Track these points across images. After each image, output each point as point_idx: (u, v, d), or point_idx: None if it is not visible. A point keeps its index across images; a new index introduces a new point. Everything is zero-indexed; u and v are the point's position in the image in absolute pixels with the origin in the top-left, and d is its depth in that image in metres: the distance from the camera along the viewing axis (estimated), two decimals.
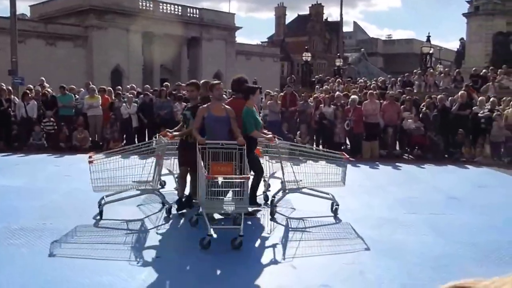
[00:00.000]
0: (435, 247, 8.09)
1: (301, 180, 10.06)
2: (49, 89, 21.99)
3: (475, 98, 21.49)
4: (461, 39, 54.92)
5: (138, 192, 10.04)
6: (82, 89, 22.86)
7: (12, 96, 21.46)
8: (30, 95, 20.67)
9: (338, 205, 10.04)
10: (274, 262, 7.43)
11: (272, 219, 9.73)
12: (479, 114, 19.05)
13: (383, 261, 7.38)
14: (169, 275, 6.80)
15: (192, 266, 7.16)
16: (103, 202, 9.77)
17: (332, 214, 9.97)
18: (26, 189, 12.18)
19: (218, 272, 7.00)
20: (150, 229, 8.88)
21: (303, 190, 10.20)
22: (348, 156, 10.23)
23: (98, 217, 9.49)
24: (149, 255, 7.47)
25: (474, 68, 31.71)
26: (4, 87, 21.13)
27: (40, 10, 62.48)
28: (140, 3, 61.17)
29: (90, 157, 9.14)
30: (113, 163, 9.67)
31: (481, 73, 29.36)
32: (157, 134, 10.20)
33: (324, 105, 20.43)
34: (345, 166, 10.03)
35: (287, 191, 10.25)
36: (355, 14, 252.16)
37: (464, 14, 49.85)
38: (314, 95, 22.83)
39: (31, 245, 7.81)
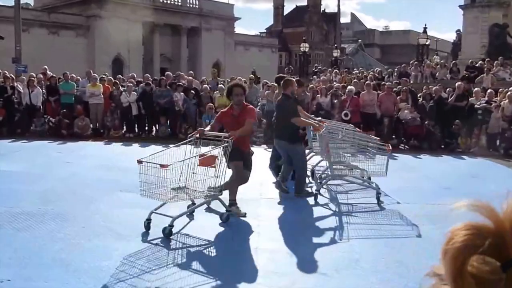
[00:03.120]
0: (430, 236, 8.11)
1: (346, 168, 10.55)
2: (54, 75, 22.02)
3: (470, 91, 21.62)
4: (458, 30, 54.64)
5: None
6: (79, 78, 22.91)
7: (16, 84, 21.58)
8: (35, 83, 20.77)
9: (380, 193, 10.32)
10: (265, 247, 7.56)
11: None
12: (475, 106, 19.16)
13: (378, 250, 7.46)
14: (168, 263, 6.80)
15: (194, 254, 7.20)
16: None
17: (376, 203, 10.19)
18: (28, 175, 12.28)
19: (219, 260, 7.07)
20: (152, 215, 8.89)
21: (347, 178, 10.81)
22: (391, 148, 10.66)
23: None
24: (149, 241, 7.54)
25: (470, 60, 31.77)
26: (8, 75, 21.26)
27: (43, 0, 62.51)
28: None
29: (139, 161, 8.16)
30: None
31: (477, 65, 29.47)
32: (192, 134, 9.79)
33: (321, 95, 20.54)
34: (388, 156, 10.37)
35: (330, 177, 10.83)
36: (352, 5, 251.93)
37: (460, 6, 49.58)
38: (310, 86, 22.90)
39: (32, 229, 7.90)
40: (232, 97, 9.50)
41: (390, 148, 10.70)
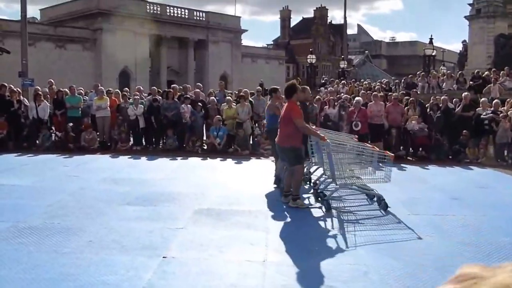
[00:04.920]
0: (438, 248, 8.09)
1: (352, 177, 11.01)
2: (61, 89, 22.00)
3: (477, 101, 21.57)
4: (464, 41, 54.85)
5: None
6: (81, 90, 22.97)
7: (22, 97, 21.64)
8: (41, 97, 20.79)
9: (383, 199, 10.65)
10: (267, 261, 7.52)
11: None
12: (481, 116, 19.08)
13: (386, 262, 7.38)
14: (175, 276, 6.75)
15: (201, 267, 7.08)
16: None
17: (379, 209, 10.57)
18: (35, 189, 12.26)
19: (226, 272, 7.01)
20: (157, 228, 8.82)
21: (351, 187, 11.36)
22: (393, 155, 11.04)
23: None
24: (156, 255, 7.45)
25: (476, 70, 31.75)
26: (14, 89, 21.33)
27: (50, 14, 63.16)
28: (148, 7, 61.62)
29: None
30: None
31: (483, 75, 29.43)
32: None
33: (329, 106, 20.53)
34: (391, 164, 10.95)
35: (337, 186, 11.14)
36: (357, 16, 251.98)
37: (466, 17, 49.63)
38: (317, 97, 22.88)
39: (39, 243, 7.84)
40: (296, 93, 10.97)
41: (392, 155, 10.87)
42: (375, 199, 10.92)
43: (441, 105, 19.97)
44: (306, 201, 11.35)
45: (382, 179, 10.70)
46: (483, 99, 21.16)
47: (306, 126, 10.76)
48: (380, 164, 11.13)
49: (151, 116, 20.61)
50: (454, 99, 21.23)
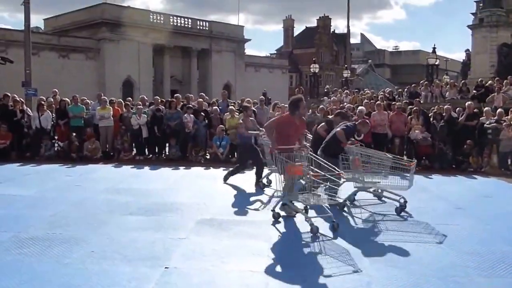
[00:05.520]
0: (442, 257, 8.03)
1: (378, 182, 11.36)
2: (65, 99, 21.95)
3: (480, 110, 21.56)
4: (467, 50, 54.83)
5: None
6: (86, 100, 22.94)
7: (25, 107, 21.65)
8: (44, 107, 20.80)
9: (403, 206, 11.17)
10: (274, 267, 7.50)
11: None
12: (485, 125, 19.06)
13: (390, 272, 7.33)
14: (178, 286, 6.71)
15: (204, 278, 7.06)
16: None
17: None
18: (37, 199, 12.24)
19: (228, 282, 6.99)
20: (160, 239, 8.79)
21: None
22: (414, 163, 11.18)
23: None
24: (158, 265, 7.41)
25: (479, 79, 31.71)
26: (18, 98, 21.34)
27: (53, 23, 63.47)
28: (151, 16, 61.87)
29: None
30: None
31: (486, 84, 29.38)
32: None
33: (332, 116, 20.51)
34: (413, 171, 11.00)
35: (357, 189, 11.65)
36: (361, 26, 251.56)
37: (469, 26, 49.58)
38: (320, 107, 22.83)
39: (40, 254, 7.82)
40: (299, 109, 10.48)
41: (413, 163, 11.17)
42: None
43: (444, 114, 19.97)
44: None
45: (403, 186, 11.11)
46: (486, 108, 21.13)
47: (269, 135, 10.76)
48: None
49: (154, 125, 20.63)
50: (458, 108, 21.20)
